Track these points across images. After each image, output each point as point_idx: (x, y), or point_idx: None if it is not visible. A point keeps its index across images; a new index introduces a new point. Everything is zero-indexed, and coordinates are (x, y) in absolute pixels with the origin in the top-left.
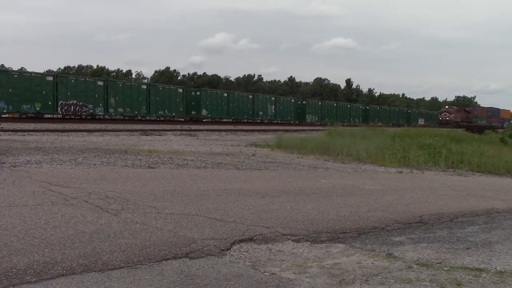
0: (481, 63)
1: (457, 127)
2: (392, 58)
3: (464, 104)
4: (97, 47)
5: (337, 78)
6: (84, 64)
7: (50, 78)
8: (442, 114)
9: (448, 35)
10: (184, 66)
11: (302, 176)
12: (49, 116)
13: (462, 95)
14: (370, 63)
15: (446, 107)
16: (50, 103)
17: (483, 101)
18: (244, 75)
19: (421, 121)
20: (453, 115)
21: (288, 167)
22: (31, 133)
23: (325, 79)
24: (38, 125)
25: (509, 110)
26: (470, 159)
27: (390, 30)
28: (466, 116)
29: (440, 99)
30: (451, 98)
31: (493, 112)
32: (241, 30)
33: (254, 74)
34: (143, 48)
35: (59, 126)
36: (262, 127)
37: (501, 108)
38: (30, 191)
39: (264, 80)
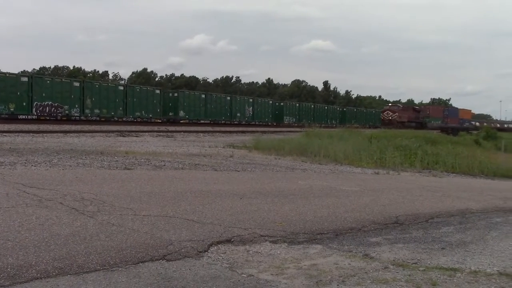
0: (457, 66)
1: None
2: (370, 60)
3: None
4: (75, 48)
5: (315, 80)
6: (61, 64)
7: (25, 79)
8: (384, 113)
9: (425, 38)
10: (162, 67)
11: (280, 178)
12: (24, 117)
13: (437, 97)
14: (348, 65)
15: (389, 104)
16: (24, 104)
17: (458, 103)
18: (222, 76)
19: None
20: (396, 114)
21: (266, 168)
22: (5, 134)
23: (303, 81)
24: (12, 126)
25: (470, 110)
26: (445, 160)
27: (368, 33)
28: (416, 115)
29: (416, 101)
30: (426, 100)
31: (450, 112)
32: (220, 31)
33: (232, 76)
34: (121, 50)
35: (34, 127)
36: (240, 129)
37: (460, 107)
38: (4, 193)
39: (242, 81)
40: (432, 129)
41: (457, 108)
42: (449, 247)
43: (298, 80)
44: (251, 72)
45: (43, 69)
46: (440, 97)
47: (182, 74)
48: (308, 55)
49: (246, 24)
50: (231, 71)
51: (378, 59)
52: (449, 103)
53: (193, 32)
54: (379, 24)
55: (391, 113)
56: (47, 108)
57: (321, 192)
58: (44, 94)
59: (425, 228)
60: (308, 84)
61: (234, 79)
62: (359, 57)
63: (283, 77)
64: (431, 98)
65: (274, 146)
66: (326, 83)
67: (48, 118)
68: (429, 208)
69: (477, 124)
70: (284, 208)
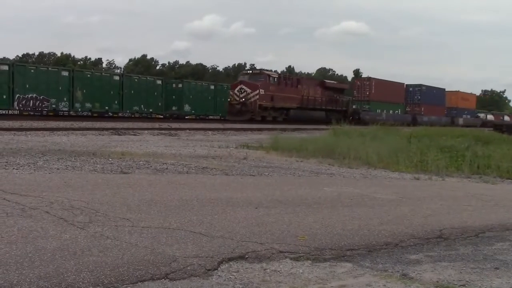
0: None
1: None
2: (410, 45)
3: (489, 100)
4: (63, 32)
5: (344, 69)
6: (46, 51)
7: (5, 68)
8: (234, 91)
9: (475, 18)
10: (164, 54)
11: (302, 183)
12: (4, 112)
13: (489, 89)
14: (383, 51)
15: (249, 71)
16: (5, 97)
17: None
18: (234, 64)
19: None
20: (259, 91)
21: (286, 172)
22: None
23: (329, 69)
24: None
25: (474, 95)
26: (499, 164)
27: (409, 13)
28: (329, 97)
29: None
30: (476, 91)
31: (425, 94)
32: (234, 11)
33: (245, 63)
34: (116, 33)
35: (16, 123)
36: (256, 126)
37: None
38: None
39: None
40: (373, 123)
41: (443, 89)
42: (504, 267)
43: (324, 69)
44: (269, 59)
45: (26, 56)
46: (493, 89)
47: (188, 62)
48: (337, 39)
49: (264, 3)
50: (245, 58)
51: (420, 43)
52: (504, 95)
53: (202, 12)
54: (421, 2)
55: (247, 90)
56: (31, 101)
57: (351, 200)
58: (27, 86)
59: (475, 243)
60: (336, 73)
61: (248, 67)
62: (397, 41)
63: (306, 65)
64: (481, 90)
65: (296, 146)
66: (357, 72)
67: (32, 113)
68: (479, 220)
69: (490, 117)
70: (308, 220)
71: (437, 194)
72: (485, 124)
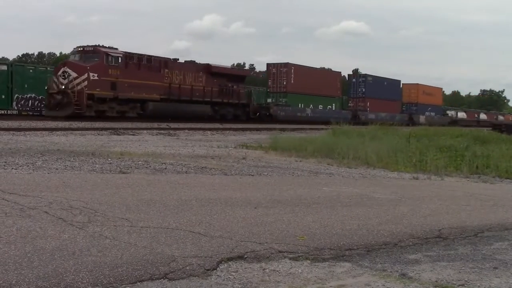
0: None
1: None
2: (410, 45)
3: (488, 100)
4: (63, 31)
5: (344, 68)
6: (46, 51)
7: (4, 67)
8: (56, 76)
9: (476, 18)
10: (164, 53)
11: (302, 183)
12: (3, 112)
13: (488, 89)
14: (383, 50)
15: (80, 48)
16: (3, 96)
17: None
18: (233, 64)
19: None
20: (88, 76)
21: (285, 172)
22: None
23: (328, 69)
24: None
25: (440, 89)
26: (497, 164)
27: (409, 13)
28: (218, 87)
29: (463, 93)
30: (475, 91)
31: (373, 89)
32: (234, 11)
33: (244, 63)
34: (116, 33)
35: (15, 124)
36: (254, 125)
37: (406, 82)
38: None
39: (257, 69)
40: (293, 121)
41: (397, 80)
42: (503, 267)
43: (323, 68)
44: (269, 59)
45: (25, 56)
46: (492, 89)
47: (186, 61)
48: (337, 39)
49: (265, 2)
50: (246, 58)
51: (420, 43)
52: (502, 95)
53: (202, 12)
54: (421, 2)
55: (72, 75)
56: (30, 101)
57: (350, 200)
58: (26, 86)
59: (474, 243)
60: None
61: (247, 67)
62: (397, 41)
63: (306, 64)
64: (480, 90)
65: (295, 146)
66: (355, 72)
67: (31, 113)
68: (478, 220)
69: (462, 115)
70: (306, 219)
71: (436, 194)
72: (455, 122)
